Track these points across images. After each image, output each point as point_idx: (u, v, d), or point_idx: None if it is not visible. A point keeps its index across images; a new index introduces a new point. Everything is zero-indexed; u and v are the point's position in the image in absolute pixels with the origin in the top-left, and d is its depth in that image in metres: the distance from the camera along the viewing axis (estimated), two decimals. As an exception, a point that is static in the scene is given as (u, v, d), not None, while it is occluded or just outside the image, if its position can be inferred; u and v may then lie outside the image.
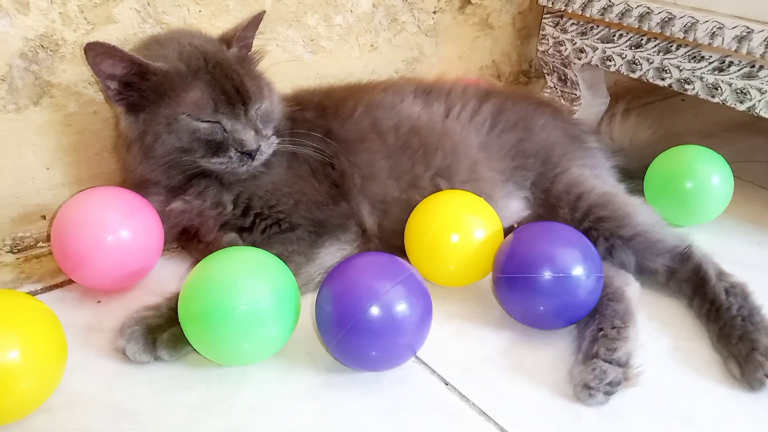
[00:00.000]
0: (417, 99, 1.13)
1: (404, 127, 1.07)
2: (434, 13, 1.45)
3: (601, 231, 1.01)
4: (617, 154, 1.27)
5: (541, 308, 0.87)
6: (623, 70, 1.42)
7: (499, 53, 1.65)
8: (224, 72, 0.93)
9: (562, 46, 1.52)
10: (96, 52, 0.87)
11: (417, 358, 0.86)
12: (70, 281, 0.97)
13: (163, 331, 0.83)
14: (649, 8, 1.32)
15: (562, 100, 1.60)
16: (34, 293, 0.96)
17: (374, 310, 0.76)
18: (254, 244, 0.96)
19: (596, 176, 1.10)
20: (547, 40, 1.55)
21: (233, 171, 0.95)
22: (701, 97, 1.30)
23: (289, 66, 1.25)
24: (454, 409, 0.79)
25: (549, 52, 1.56)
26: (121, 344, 0.82)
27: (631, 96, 1.61)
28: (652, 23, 1.32)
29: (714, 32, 1.23)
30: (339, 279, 0.81)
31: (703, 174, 1.16)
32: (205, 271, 0.79)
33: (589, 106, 1.58)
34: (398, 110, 1.10)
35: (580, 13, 1.45)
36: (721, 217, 1.19)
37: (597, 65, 1.47)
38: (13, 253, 1.04)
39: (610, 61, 1.44)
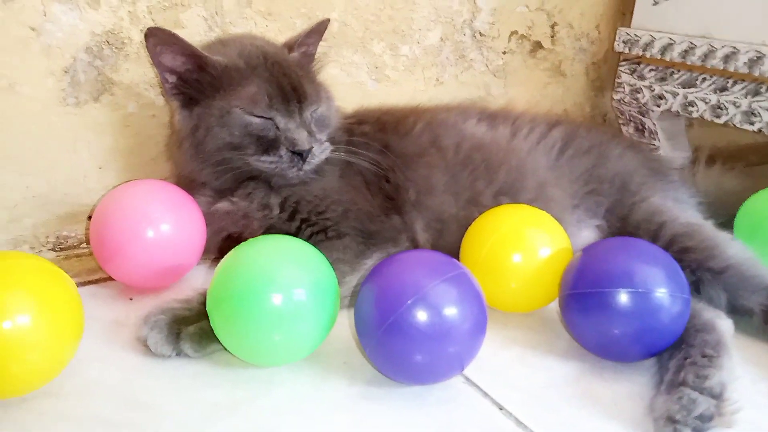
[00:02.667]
0: (481, 122, 1.08)
1: (466, 145, 1.01)
2: (504, 53, 1.42)
3: (687, 263, 0.89)
4: (701, 205, 1.16)
5: (616, 332, 0.75)
6: (707, 115, 1.33)
7: (571, 102, 1.58)
8: (282, 70, 0.90)
9: (639, 93, 1.45)
10: (157, 40, 0.86)
11: (466, 379, 0.75)
12: (105, 279, 0.93)
13: (189, 324, 0.76)
14: (735, 48, 1.25)
15: (639, 152, 1.50)
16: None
17: (417, 306, 0.67)
18: (299, 251, 0.89)
19: (680, 208, 1.00)
20: (623, 87, 1.48)
21: (282, 173, 0.90)
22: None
23: (352, 90, 1.23)
24: (510, 435, 0.67)
25: (625, 100, 1.48)
26: (144, 333, 0.75)
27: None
28: (739, 64, 1.24)
29: (810, 69, 1.14)
30: (380, 274, 0.72)
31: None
32: (239, 255, 0.73)
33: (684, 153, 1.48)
34: (460, 129, 1.04)
35: (659, 57, 1.38)
36: None
37: (678, 112, 1.39)
38: (55, 251, 1.01)
39: (692, 106, 1.35)
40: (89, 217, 1.03)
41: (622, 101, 1.49)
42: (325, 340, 0.76)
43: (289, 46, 0.97)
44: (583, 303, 0.77)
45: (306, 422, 0.67)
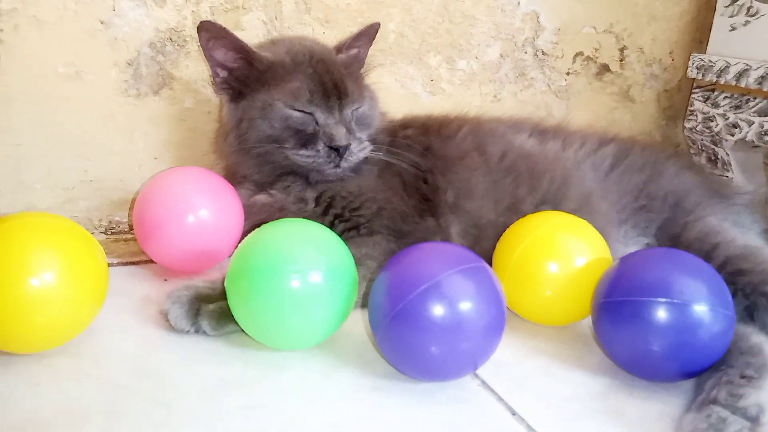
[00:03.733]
0: (533, 136, 1.05)
1: (511, 153, 0.99)
2: (567, 74, 1.39)
3: (740, 285, 0.82)
4: None
5: (650, 346, 0.70)
6: (784, 145, 1.24)
7: (639, 130, 1.52)
8: (326, 68, 0.92)
9: (712, 122, 1.38)
10: (209, 34, 0.89)
11: (482, 382, 0.72)
12: (146, 261, 0.96)
13: (210, 302, 0.77)
14: (817, 72, 1.16)
15: (710, 183, 1.42)
16: (109, 265, 0.95)
17: (428, 294, 0.65)
18: (330, 246, 0.89)
19: (739, 231, 0.93)
20: (696, 116, 1.41)
21: (319, 168, 0.91)
22: None
23: (405, 102, 1.23)
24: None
25: (697, 129, 1.41)
26: (166, 306, 0.77)
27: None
28: (821, 89, 1.16)
29: None
30: (395, 262, 0.71)
31: None
32: (260, 235, 0.73)
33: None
34: (508, 140, 1.02)
35: (734, 83, 1.31)
36: None
37: (753, 141, 1.30)
38: (106, 234, 1.05)
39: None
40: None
41: (694, 130, 1.42)
42: (341, 331, 0.75)
43: (338, 48, 0.98)
44: (615, 313, 0.72)
45: (310, 407, 0.66)
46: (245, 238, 0.74)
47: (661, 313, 0.69)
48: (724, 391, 0.63)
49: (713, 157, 1.41)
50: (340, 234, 0.91)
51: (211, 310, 0.76)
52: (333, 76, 0.92)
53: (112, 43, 1.00)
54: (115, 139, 1.04)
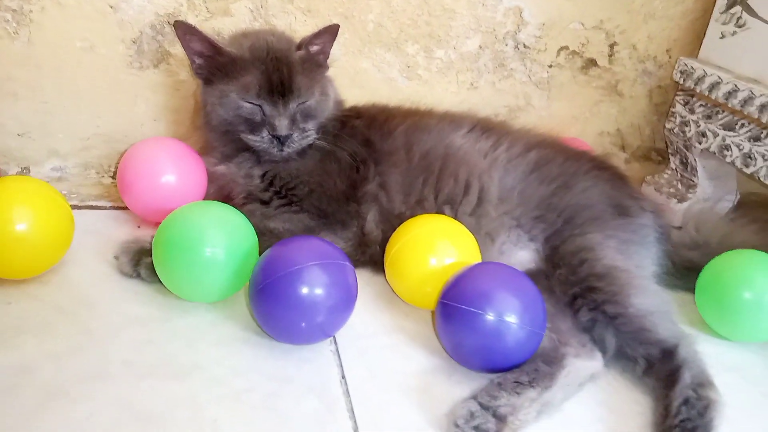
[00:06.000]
0: (470, 133, 1.16)
1: (434, 153, 1.11)
2: (550, 66, 1.45)
3: (588, 301, 0.95)
4: (696, 250, 1.16)
5: (464, 342, 0.86)
6: (738, 163, 1.28)
7: (627, 123, 1.57)
8: (278, 65, 1.07)
9: (687, 126, 1.42)
10: (183, 30, 1.07)
11: (336, 349, 0.91)
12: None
13: (149, 256, 0.99)
14: (771, 98, 1.19)
15: (679, 185, 1.48)
16: (102, 207, 1.21)
17: (291, 275, 0.83)
18: (265, 216, 1.09)
19: (618, 250, 1.02)
20: (675, 118, 1.45)
21: (266, 150, 1.09)
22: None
23: (382, 85, 1.37)
24: (332, 402, 0.82)
25: (674, 131, 1.46)
26: (115, 254, 1.00)
27: None
28: (772, 116, 1.19)
29: (832, 135, 1.07)
30: (279, 245, 0.90)
31: (759, 286, 1.01)
32: (176, 214, 0.94)
33: (706, 198, 1.43)
34: (441, 137, 1.14)
35: (707, 94, 1.34)
36: None
37: (714, 153, 1.34)
38: (113, 178, 1.30)
39: (728, 150, 1.31)
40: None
41: (671, 131, 1.47)
42: (240, 293, 0.96)
43: (300, 44, 1.13)
44: (443, 311, 0.88)
45: (189, 349, 0.87)
46: (168, 215, 0.95)
47: (477, 322, 0.84)
48: (486, 392, 0.79)
49: (684, 161, 1.46)
50: (276, 208, 1.11)
51: (148, 262, 0.98)
52: (282, 74, 1.07)
53: (120, 24, 1.20)
54: (122, 102, 1.26)
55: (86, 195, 1.25)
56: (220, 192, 1.17)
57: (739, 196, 1.45)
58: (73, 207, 1.16)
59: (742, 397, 0.94)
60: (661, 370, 0.88)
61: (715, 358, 0.99)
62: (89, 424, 0.74)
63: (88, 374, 0.81)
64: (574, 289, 0.96)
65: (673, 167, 1.50)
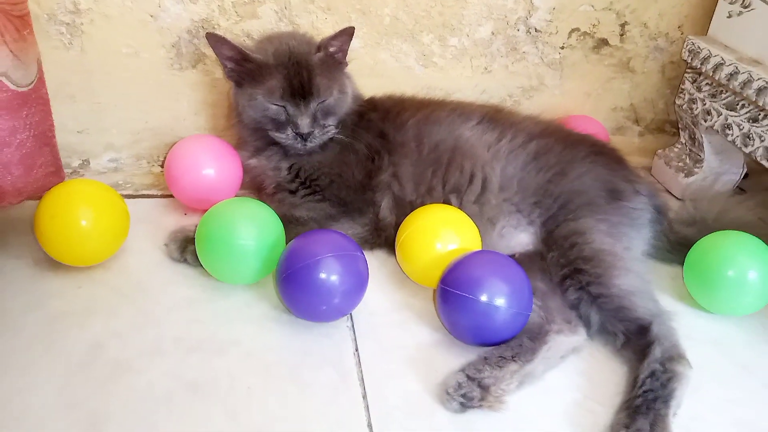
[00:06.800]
0: (479, 125, 1.27)
1: (443, 145, 1.23)
2: (562, 48, 1.52)
3: (574, 281, 1.06)
4: (692, 226, 1.25)
5: (461, 321, 0.99)
6: (738, 142, 1.35)
7: (640, 98, 1.63)
8: (298, 69, 1.19)
9: (694, 104, 1.48)
10: (214, 40, 1.20)
11: (351, 325, 1.06)
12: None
13: (193, 244, 1.15)
14: (766, 83, 1.25)
15: (688, 159, 1.54)
16: (153, 196, 1.37)
17: (311, 265, 0.98)
18: (292, 205, 1.24)
19: (608, 233, 1.12)
20: (684, 94, 1.51)
21: (291, 146, 1.22)
22: (799, 188, 1.19)
23: (400, 73, 1.47)
24: (346, 373, 0.97)
25: (683, 107, 1.52)
26: (165, 242, 1.17)
27: None
28: (767, 99, 1.25)
29: (819, 122, 1.13)
30: (302, 237, 1.04)
31: (741, 265, 1.10)
32: (213, 210, 1.09)
33: (713, 172, 1.50)
34: (450, 129, 1.25)
35: (711, 74, 1.40)
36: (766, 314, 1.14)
37: (717, 131, 1.41)
38: (161, 167, 1.46)
39: (729, 129, 1.37)
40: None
41: (681, 107, 1.53)
42: (270, 277, 1.11)
43: (319, 46, 1.24)
44: (442, 294, 1.01)
45: (229, 325, 1.04)
46: (209, 209, 1.10)
47: (470, 305, 0.97)
48: (472, 364, 0.93)
49: (693, 136, 1.52)
50: (302, 197, 1.25)
51: (193, 249, 1.14)
52: (302, 77, 1.19)
53: (160, 31, 1.34)
54: (166, 100, 1.41)
55: (139, 185, 1.41)
56: (253, 182, 1.32)
57: (746, 170, 1.50)
58: (128, 196, 1.35)
59: (717, 368, 1.05)
60: (636, 345, 1.00)
61: (697, 330, 1.12)
62: (148, 392, 0.91)
63: (146, 350, 0.99)
64: (564, 270, 1.08)
65: (683, 141, 1.56)
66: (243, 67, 1.21)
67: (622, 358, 1.02)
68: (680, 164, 1.54)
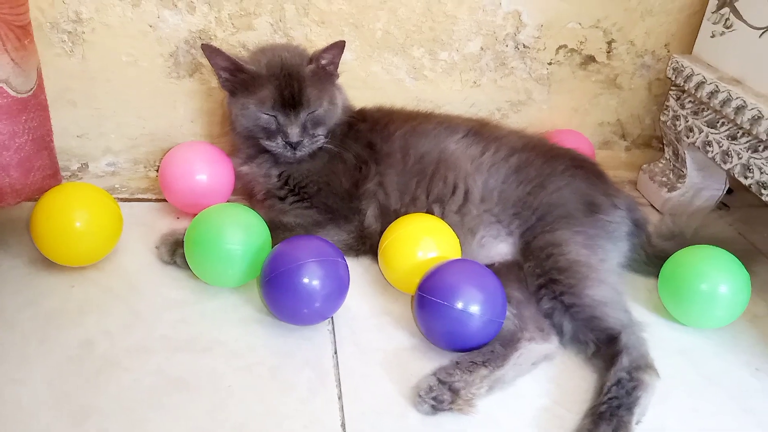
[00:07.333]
0: (464, 138, 1.30)
1: (428, 157, 1.27)
2: (549, 64, 1.56)
3: (549, 291, 1.10)
4: (671, 240, 1.28)
5: (435, 328, 1.03)
6: (717, 159, 1.38)
7: (627, 114, 1.67)
8: (289, 81, 1.23)
9: (678, 120, 1.51)
10: (209, 51, 1.24)
11: (332, 328, 1.10)
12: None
13: (183, 247, 1.19)
14: (744, 102, 1.29)
15: (671, 175, 1.58)
16: (146, 200, 1.42)
17: (293, 270, 1.01)
18: (281, 211, 1.28)
19: (584, 245, 1.16)
20: (669, 111, 1.55)
21: (282, 154, 1.27)
22: (773, 205, 1.23)
23: (391, 86, 1.52)
24: (324, 374, 1.01)
25: (668, 123, 1.55)
26: (156, 244, 1.22)
27: None
28: (744, 118, 1.29)
29: (791, 142, 1.17)
30: (285, 243, 1.08)
31: (714, 279, 1.14)
32: (202, 215, 1.13)
33: (694, 188, 1.53)
34: (436, 142, 1.29)
35: (693, 92, 1.44)
36: (738, 327, 1.18)
37: (698, 148, 1.44)
38: (157, 171, 1.51)
39: (710, 146, 1.41)
40: (180, 153, 1.50)
41: (665, 123, 1.56)
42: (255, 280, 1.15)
43: (311, 58, 1.29)
44: (419, 301, 1.05)
45: (213, 326, 1.08)
46: (197, 215, 1.14)
47: (445, 312, 1.01)
48: (444, 369, 0.97)
49: (676, 152, 1.56)
50: (290, 204, 1.29)
51: (182, 252, 1.19)
52: (293, 88, 1.23)
53: (158, 40, 1.39)
54: (163, 107, 1.46)
55: (135, 189, 1.46)
56: (245, 188, 1.37)
57: (728, 186, 1.54)
58: (124, 200, 1.40)
59: (685, 378, 1.08)
60: (605, 353, 1.03)
61: (668, 342, 1.15)
62: (135, 388, 0.95)
63: (135, 347, 1.03)
64: (540, 280, 1.12)
65: (667, 157, 1.60)
66: (236, 77, 1.25)
67: (592, 367, 1.06)
68: (664, 179, 1.58)
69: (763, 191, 1.25)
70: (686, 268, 1.17)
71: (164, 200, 1.40)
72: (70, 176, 1.45)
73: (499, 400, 0.99)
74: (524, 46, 1.53)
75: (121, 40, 1.37)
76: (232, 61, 1.24)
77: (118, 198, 1.40)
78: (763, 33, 1.30)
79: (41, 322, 1.05)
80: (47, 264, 1.16)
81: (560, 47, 1.54)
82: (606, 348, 1.03)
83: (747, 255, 1.27)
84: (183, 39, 1.39)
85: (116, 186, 1.46)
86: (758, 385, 1.08)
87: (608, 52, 1.57)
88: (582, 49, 1.56)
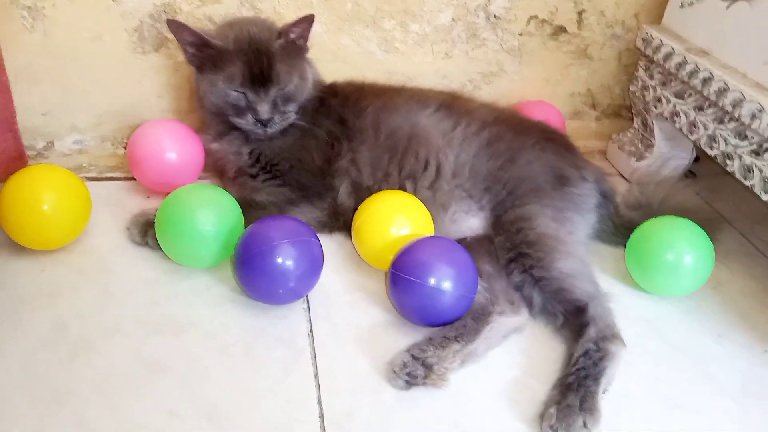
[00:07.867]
0: (437, 112, 1.30)
1: (400, 132, 1.26)
2: (520, 35, 1.56)
3: (519, 264, 1.12)
4: (638, 210, 1.30)
5: (408, 302, 1.05)
6: (684, 129, 1.40)
7: (597, 84, 1.68)
8: (258, 56, 1.21)
9: (647, 91, 1.53)
10: (175, 26, 1.22)
11: (307, 306, 1.11)
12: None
13: (154, 228, 1.19)
14: (711, 74, 1.30)
15: (639, 144, 1.60)
16: (116, 178, 1.40)
17: (267, 252, 1.02)
18: (253, 189, 1.27)
19: (553, 218, 1.18)
20: (638, 81, 1.56)
21: (252, 131, 1.26)
22: (737, 177, 1.26)
23: (361, 58, 1.50)
24: (299, 352, 1.03)
25: (637, 94, 1.57)
26: (127, 225, 1.21)
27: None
28: (711, 90, 1.30)
29: (754, 114, 1.19)
30: (259, 223, 1.07)
31: (679, 249, 1.17)
32: (174, 195, 1.12)
33: (663, 157, 1.56)
34: (407, 117, 1.29)
35: (662, 63, 1.45)
36: (702, 295, 1.22)
37: (666, 118, 1.46)
38: (124, 149, 1.48)
39: (677, 117, 1.43)
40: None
41: (634, 94, 1.58)
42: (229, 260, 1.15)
43: (279, 33, 1.26)
44: (392, 278, 1.06)
45: (185, 306, 1.08)
46: (169, 195, 1.13)
47: (417, 288, 1.02)
48: (417, 345, 0.98)
49: (645, 122, 1.58)
50: (262, 182, 1.29)
51: (154, 233, 1.18)
52: (262, 64, 1.21)
53: (122, 15, 1.35)
54: (129, 83, 1.43)
55: (103, 167, 1.44)
56: (215, 166, 1.35)
57: (695, 155, 1.56)
58: (92, 179, 1.38)
59: (650, 346, 1.12)
60: (573, 325, 1.06)
61: (634, 310, 1.18)
62: (109, 370, 0.96)
63: (108, 330, 1.03)
64: (510, 254, 1.14)
65: (636, 127, 1.62)
66: (203, 53, 1.23)
67: (561, 338, 1.09)
68: (632, 149, 1.60)
69: (728, 162, 1.27)
70: (652, 239, 1.19)
71: (134, 178, 1.38)
72: (36, 155, 1.42)
73: (471, 372, 1.01)
74: (495, 17, 1.52)
75: (83, 15, 1.33)
76: (198, 36, 1.21)
77: (87, 177, 1.38)
78: (730, 4, 1.31)
79: (12, 307, 1.05)
80: (16, 248, 1.14)
81: (531, 18, 1.54)
82: (574, 319, 1.06)
83: (712, 223, 1.31)
84: (147, 13, 1.36)
85: (84, 164, 1.43)
86: (721, 352, 1.12)
87: (579, 23, 1.57)
88: (553, 20, 1.56)
